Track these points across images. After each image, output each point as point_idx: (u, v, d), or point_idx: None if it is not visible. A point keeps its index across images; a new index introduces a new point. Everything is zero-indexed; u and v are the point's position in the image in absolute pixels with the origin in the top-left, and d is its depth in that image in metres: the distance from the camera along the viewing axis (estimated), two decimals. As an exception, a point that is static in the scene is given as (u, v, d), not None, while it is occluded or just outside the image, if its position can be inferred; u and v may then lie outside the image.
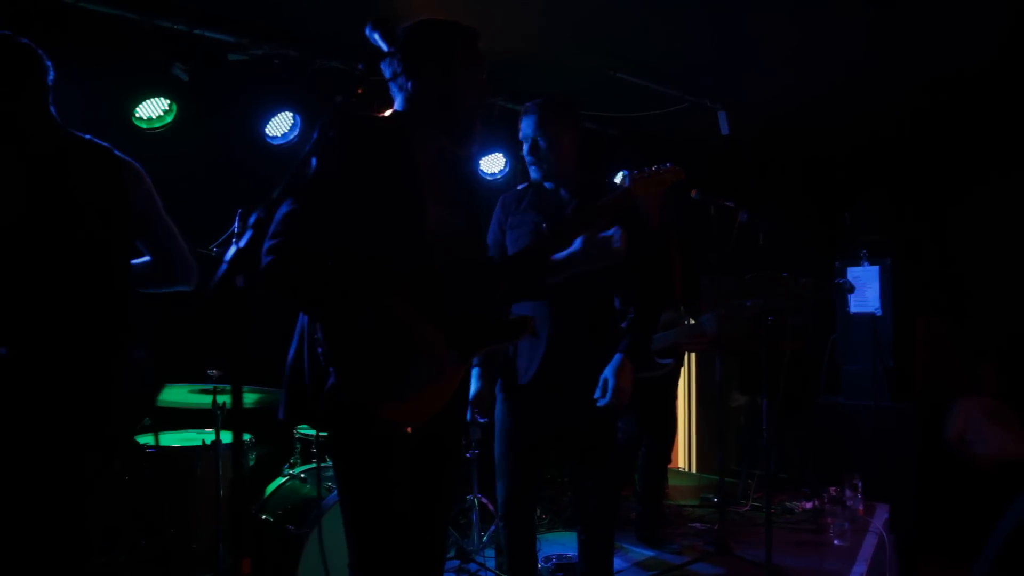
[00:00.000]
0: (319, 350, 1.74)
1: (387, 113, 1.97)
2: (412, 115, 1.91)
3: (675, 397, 4.19)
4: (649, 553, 3.70)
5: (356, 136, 1.79)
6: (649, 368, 3.66)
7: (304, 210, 1.65)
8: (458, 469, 2.04)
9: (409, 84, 1.88)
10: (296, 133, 4.08)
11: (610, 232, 2.03)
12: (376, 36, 1.71)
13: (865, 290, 5.06)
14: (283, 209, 1.68)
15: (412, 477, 1.86)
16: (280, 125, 4.06)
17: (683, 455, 5.93)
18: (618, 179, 3.89)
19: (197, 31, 3.78)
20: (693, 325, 3.71)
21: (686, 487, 5.20)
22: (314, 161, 1.73)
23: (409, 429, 1.79)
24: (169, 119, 3.74)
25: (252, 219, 1.28)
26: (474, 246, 1.99)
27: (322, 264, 1.71)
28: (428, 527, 1.93)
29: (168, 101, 3.72)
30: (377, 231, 1.79)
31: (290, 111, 4.03)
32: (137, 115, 3.66)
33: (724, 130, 5.04)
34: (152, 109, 3.71)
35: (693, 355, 5.72)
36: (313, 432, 3.28)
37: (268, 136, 4.02)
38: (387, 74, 1.89)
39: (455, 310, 1.82)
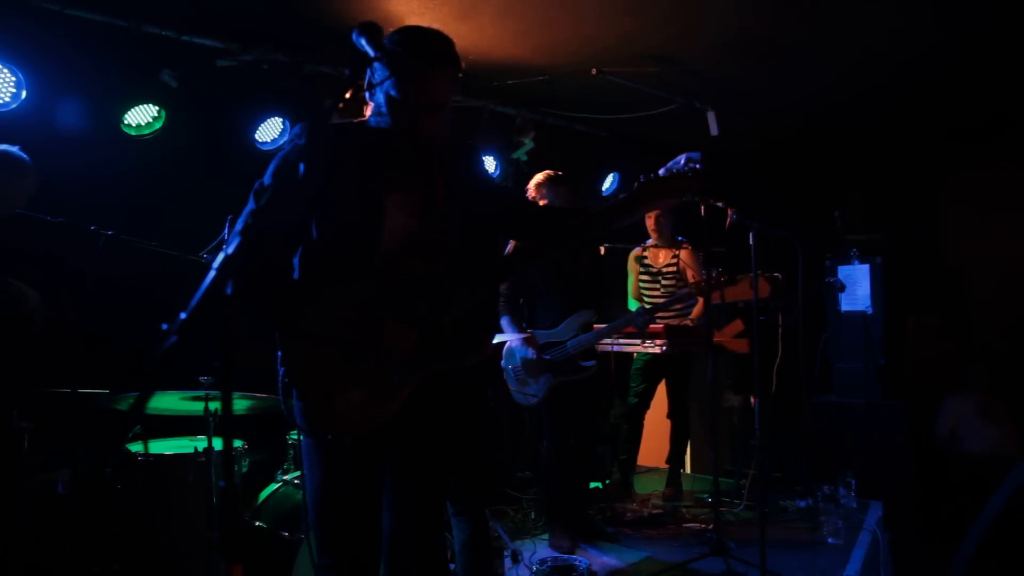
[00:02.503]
0: (278, 354, 1.81)
1: (366, 118, 1.95)
2: (381, 123, 1.87)
3: (600, 399, 4.24)
4: (644, 553, 3.70)
5: (320, 144, 1.79)
6: (573, 372, 3.65)
7: (264, 215, 1.63)
8: (439, 470, 2.00)
9: (374, 92, 1.85)
10: (286, 139, 4.07)
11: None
12: (363, 41, 1.70)
13: (856, 288, 5.09)
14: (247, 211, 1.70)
15: (376, 479, 1.89)
16: (270, 130, 4.05)
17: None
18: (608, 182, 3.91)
19: (185, 37, 3.77)
20: (618, 322, 3.74)
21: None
22: (302, 167, 1.75)
23: (349, 439, 1.80)
24: (158, 126, 3.73)
25: (240, 226, 1.28)
26: (447, 257, 1.89)
27: (267, 272, 1.76)
28: (398, 526, 1.93)
29: (157, 108, 3.71)
30: (333, 240, 1.81)
31: (280, 116, 4.03)
32: (126, 122, 3.65)
33: (714, 130, 5.05)
34: (141, 116, 3.70)
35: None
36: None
37: (258, 142, 4.01)
38: (372, 80, 1.87)
39: (398, 324, 1.81)
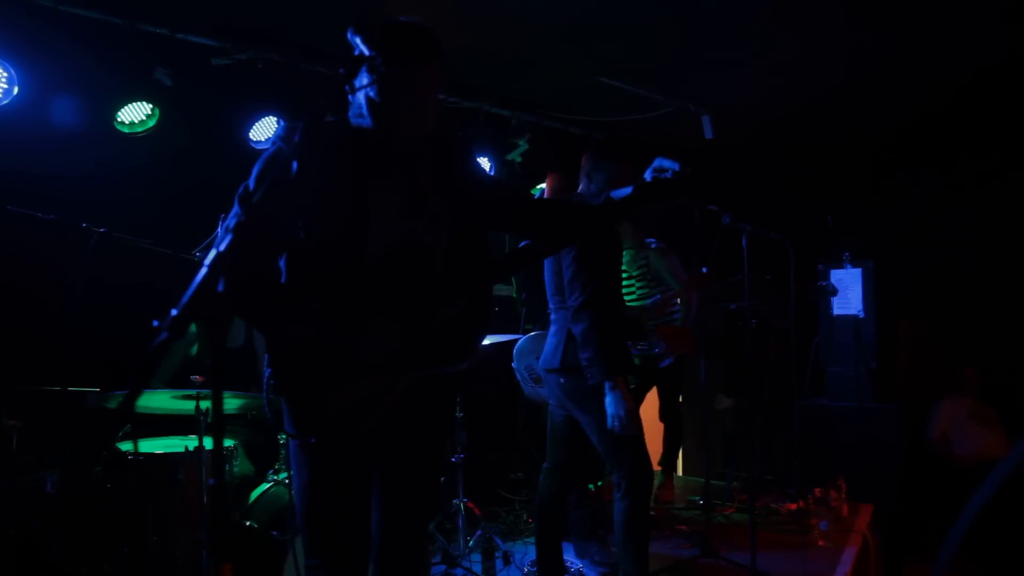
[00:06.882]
0: (265, 356, 1.79)
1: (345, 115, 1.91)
2: (362, 123, 1.83)
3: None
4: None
5: (308, 143, 1.74)
6: None
7: (255, 214, 1.57)
8: (428, 472, 1.98)
9: (355, 92, 1.79)
10: (271, 139, 4.06)
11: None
12: (358, 40, 1.70)
13: (848, 292, 5.10)
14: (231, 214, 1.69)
15: (365, 480, 1.87)
16: (264, 129, 4.04)
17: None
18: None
19: (180, 35, 3.76)
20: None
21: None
22: (295, 165, 1.73)
23: (335, 442, 1.79)
24: (152, 123, 3.72)
25: (232, 223, 1.27)
26: (436, 259, 1.84)
27: (250, 273, 1.72)
28: (392, 528, 1.92)
29: (151, 105, 3.70)
30: (319, 243, 1.77)
31: (274, 115, 4.02)
32: (119, 119, 3.64)
33: (708, 134, 5.06)
34: (135, 113, 3.69)
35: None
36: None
37: (252, 140, 4.00)
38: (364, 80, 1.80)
39: (386, 327, 1.78)
